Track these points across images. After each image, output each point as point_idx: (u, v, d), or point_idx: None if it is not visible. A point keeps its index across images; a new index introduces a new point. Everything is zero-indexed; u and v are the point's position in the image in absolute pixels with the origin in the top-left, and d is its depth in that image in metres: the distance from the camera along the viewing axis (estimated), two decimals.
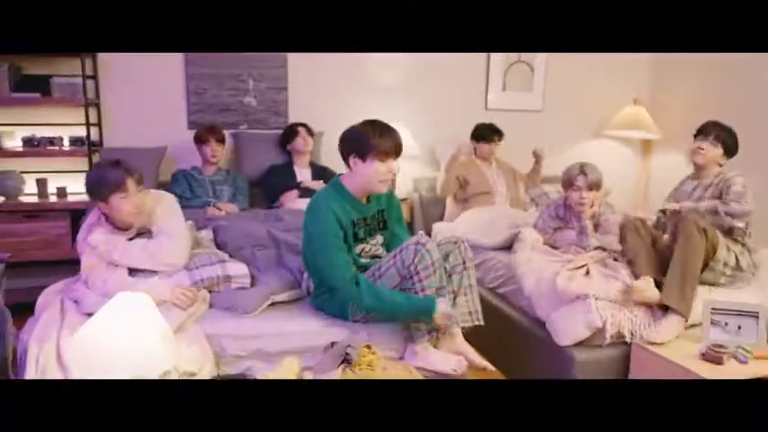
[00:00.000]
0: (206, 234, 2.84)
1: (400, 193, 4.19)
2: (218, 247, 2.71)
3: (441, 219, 4.08)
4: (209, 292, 2.30)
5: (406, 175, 4.27)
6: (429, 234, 4.03)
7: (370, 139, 2.13)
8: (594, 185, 2.89)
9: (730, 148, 2.86)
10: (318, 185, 3.71)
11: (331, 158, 3.94)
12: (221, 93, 4.03)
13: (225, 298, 2.27)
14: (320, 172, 3.86)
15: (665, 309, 2.43)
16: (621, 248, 2.70)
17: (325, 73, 4.18)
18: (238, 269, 2.39)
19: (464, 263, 2.29)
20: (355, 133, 2.17)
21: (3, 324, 1.88)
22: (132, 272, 2.31)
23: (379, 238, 2.38)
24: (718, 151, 2.84)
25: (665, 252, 2.56)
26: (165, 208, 2.42)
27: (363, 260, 2.31)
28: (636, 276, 2.51)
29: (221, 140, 3.71)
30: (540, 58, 4.58)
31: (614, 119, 4.63)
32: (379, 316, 2.19)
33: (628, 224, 2.69)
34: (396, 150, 2.18)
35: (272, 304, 2.29)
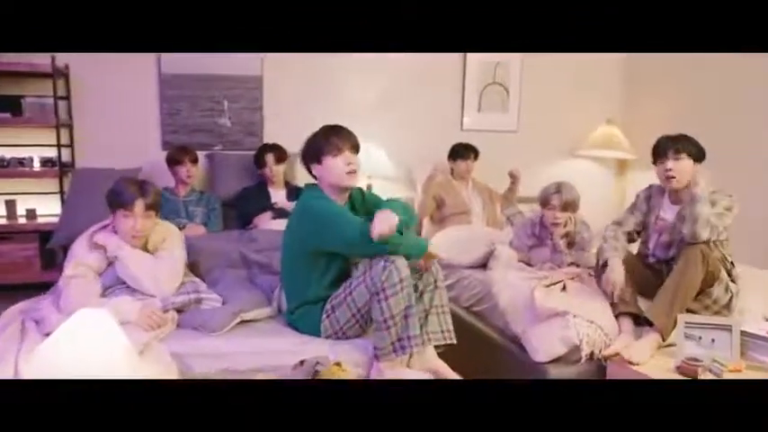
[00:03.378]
0: None
1: None
2: (190, 268, 2.66)
3: None
4: (178, 312, 2.26)
5: (383, 196, 4.25)
6: None
7: (318, 141, 2.26)
8: (570, 205, 2.90)
9: (696, 153, 2.56)
10: (293, 207, 3.69)
11: (307, 178, 3.92)
12: (195, 114, 4.01)
13: (193, 317, 2.23)
14: (296, 192, 3.83)
15: (643, 324, 2.43)
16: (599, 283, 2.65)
17: (301, 94, 4.19)
18: (212, 296, 2.39)
19: (435, 282, 2.28)
20: (307, 143, 2.31)
21: None
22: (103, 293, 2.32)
23: None
24: (689, 163, 2.54)
25: (644, 278, 2.54)
26: (173, 240, 2.51)
27: None
28: (615, 309, 2.49)
29: (195, 161, 3.68)
30: (514, 80, 4.62)
31: (588, 139, 4.68)
32: (351, 331, 2.20)
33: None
34: (347, 142, 2.26)
35: (242, 323, 2.25)
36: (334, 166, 2.23)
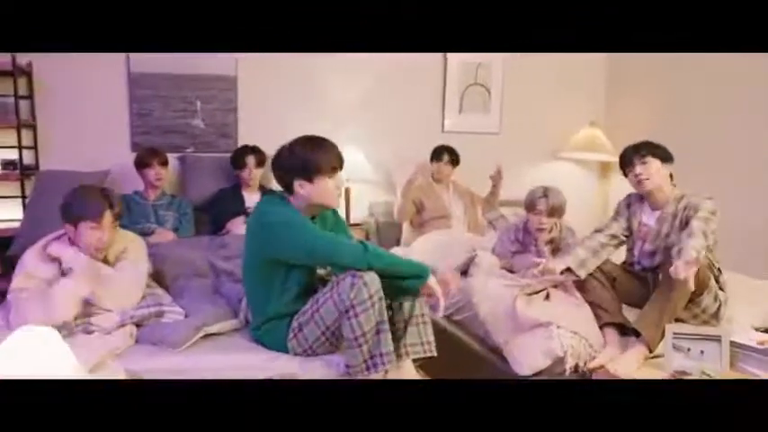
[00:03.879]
0: None
1: (355, 217, 4.06)
2: (154, 277, 2.52)
3: (397, 244, 3.95)
4: (137, 326, 2.11)
5: (361, 200, 4.14)
6: None
7: (313, 159, 2.03)
8: (556, 210, 2.81)
9: (662, 154, 2.53)
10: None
11: None
12: (167, 114, 3.86)
13: (152, 332, 2.08)
14: None
15: (629, 334, 2.33)
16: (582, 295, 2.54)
17: (277, 94, 4.06)
18: (175, 309, 2.24)
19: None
20: (295, 155, 2.05)
21: None
22: None
23: None
24: (656, 164, 2.51)
25: (630, 287, 2.42)
26: (136, 250, 2.34)
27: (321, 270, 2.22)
28: (599, 319, 2.39)
29: (165, 163, 3.53)
30: (496, 81, 4.52)
31: (570, 141, 4.59)
32: (321, 349, 2.05)
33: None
34: (340, 163, 2.11)
35: (206, 337, 2.11)
36: (326, 187, 2.05)
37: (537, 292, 2.51)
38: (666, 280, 2.29)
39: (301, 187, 2.05)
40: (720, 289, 2.50)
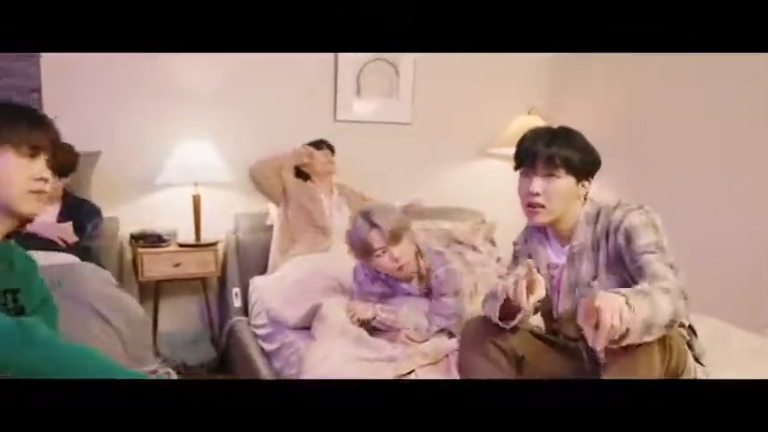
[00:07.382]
0: None
1: (210, 231, 3.01)
2: None
3: (265, 270, 2.94)
4: None
5: (216, 210, 3.10)
6: (246, 292, 2.88)
7: None
8: (399, 235, 1.88)
9: (583, 166, 1.56)
10: (63, 231, 2.49)
11: (107, 185, 2.90)
12: None
13: None
14: (74, 209, 2.63)
15: None
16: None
17: (99, 70, 2.99)
18: None
19: None
20: None
21: None
22: None
23: None
24: (567, 183, 1.54)
25: (547, 369, 1.43)
26: None
27: None
28: None
29: None
30: (406, 55, 3.54)
31: (503, 133, 3.66)
32: None
33: (465, 338, 1.57)
34: (43, 135, 1.24)
35: None
36: (13, 169, 1.18)
37: (403, 376, 1.52)
38: (616, 354, 1.31)
39: None
40: (697, 361, 1.55)
